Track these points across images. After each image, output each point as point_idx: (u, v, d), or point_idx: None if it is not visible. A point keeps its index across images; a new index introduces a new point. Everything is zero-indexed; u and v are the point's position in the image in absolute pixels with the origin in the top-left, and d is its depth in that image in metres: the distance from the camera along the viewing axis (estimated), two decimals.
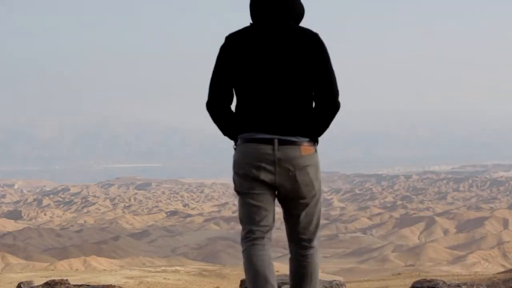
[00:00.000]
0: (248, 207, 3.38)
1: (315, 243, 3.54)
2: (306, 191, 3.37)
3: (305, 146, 3.33)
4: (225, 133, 3.47)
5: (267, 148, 3.28)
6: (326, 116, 3.35)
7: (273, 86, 3.29)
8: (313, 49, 3.30)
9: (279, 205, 3.56)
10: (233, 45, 3.34)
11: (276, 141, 3.28)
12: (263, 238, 3.38)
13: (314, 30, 3.42)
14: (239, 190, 3.41)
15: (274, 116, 3.29)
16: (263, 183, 3.33)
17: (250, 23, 3.40)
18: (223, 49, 3.35)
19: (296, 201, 3.39)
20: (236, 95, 3.39)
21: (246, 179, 3.35)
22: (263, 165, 3.29)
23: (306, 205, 3.41)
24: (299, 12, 3.39)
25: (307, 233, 3.48)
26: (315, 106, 3.37)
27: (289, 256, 3.58)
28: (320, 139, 3.47)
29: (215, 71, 3.36)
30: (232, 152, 3.44)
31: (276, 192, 3.41)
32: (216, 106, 3.37)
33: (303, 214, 3.43)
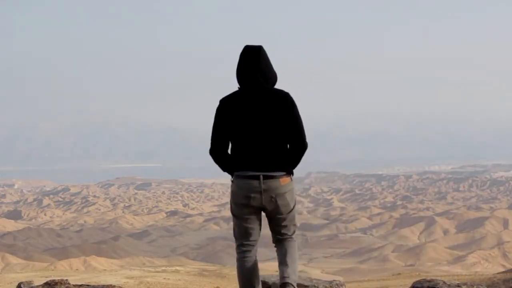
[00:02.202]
0: (241, 227, 4.79)
1: (292, 237, 4.87)
2: (284, 210, 4.75)
3: (283, 178, 4.68)
4: (224, 170, 4.84)
5: (255, 182, 4.65)
6: (297, 156, 4.72)
7: (257, 136, 4.65)
8: (285, 106, 4.65)
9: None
10: (226, 106, 4.70)
11: (261, 177, 4.65)
12: (252, 249, 4.80)
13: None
14: (235, 214, 4.79)
15: (259, 158, 4.65)
16: (253, 208, 4.72)
17: (238, 87, 4.76)
18: (218, 110, 4.72)
19: (277, 216, 4.78)
20: (231, 143, 4.75)
21: (240, 206, 4.73)
22: (253, 195, 4.67)
23: (284, 219, 4.79)
24: (274, 79, 4.77)
25: (284, 235, 4.85)
26: (289, 148, 4.73)
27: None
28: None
29: (214, 126, 4.74)
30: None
31: (263, 212, 4.80)
32: (217, 152, 4.77)
33: (282, 225, 4.82)
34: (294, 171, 4.82)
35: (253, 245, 4.80)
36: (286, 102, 4.64)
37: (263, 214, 4.87)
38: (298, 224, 4.98)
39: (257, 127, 4.63)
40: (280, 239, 4.84)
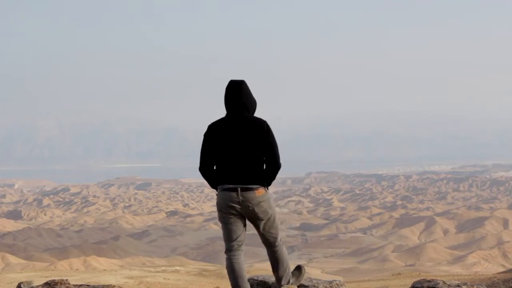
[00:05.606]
0: (227, 231, 5.60)
1: (278, 242, 5.72)
2: (263, 216, 5.57)
3: (258, 190, 5.50)
4: (210, 185, 5.69)
5: (234, 194, 5.50)
6: (271, 174, 5.56)
7: (237, 155, 5.49)
8: (262, 132, 5.50)
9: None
10: (213, 131, 5.57)
11: (239, 189, 5.49)
12: (238, 249, 5.60)
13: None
14: (221, 221, 5.62)
15: (238, 174, 5.50)
16: (235, 215, 5.55)
17: (225, 114, 5.61)
18: (206, 134, 5.59)
19: (258, 221, 5.59)
20: (216, 162, 5.60)
21: (224, 214, 5.58)
22: (233, 204, 5.52)
23: (265, 223, 5.61)
24: (254, 108, 5.66)
25: (271, 239, 5.68)
26: (265, 166, 5.56)
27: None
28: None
29: (203, 148, 5.61)
30: (215, 196, 5.68)
31: (246, 218, 5.62)
32: (205, 169, 5.65)
33: (265, 229, 5.63)
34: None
35: (239, 246, 5.60)
36: (262, 129, 5.51)
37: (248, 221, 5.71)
38: (280, 232, 5.80)
39: (237, 148, 5.48)
40: (267, 245, 5.72)
